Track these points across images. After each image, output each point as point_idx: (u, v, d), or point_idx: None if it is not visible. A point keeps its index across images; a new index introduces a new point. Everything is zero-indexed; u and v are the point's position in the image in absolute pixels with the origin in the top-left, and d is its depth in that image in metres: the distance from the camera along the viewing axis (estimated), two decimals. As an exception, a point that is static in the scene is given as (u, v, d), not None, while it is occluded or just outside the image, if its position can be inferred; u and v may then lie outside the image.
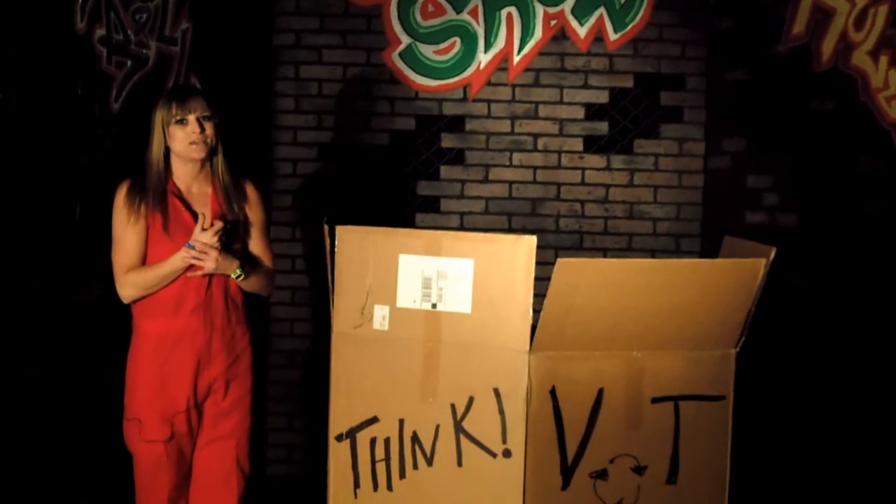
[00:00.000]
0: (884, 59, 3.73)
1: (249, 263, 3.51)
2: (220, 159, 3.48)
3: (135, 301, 3.39)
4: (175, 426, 3.39)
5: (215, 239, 3.26)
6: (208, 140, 3.40)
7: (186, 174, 3.44)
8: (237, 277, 3.41)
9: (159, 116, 3.39)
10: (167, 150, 3.40)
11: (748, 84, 4.81)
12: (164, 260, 3.32)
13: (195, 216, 3.38)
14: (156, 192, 3.36)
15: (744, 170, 4.79)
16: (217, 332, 3.45)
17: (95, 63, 3.64)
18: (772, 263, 3.18)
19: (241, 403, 3.57)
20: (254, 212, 3.59)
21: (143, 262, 3.37)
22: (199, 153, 3.40)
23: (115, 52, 3.75)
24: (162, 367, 3.38)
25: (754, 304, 3.25)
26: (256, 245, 3.60)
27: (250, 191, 3.60)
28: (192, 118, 3.37)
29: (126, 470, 3.51)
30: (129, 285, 3.35)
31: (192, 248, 3.26)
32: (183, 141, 3.37)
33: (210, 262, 3.29)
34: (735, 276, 3.18)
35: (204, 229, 3.27)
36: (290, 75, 5.28)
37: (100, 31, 3.64)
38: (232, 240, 3.44)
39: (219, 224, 3.28)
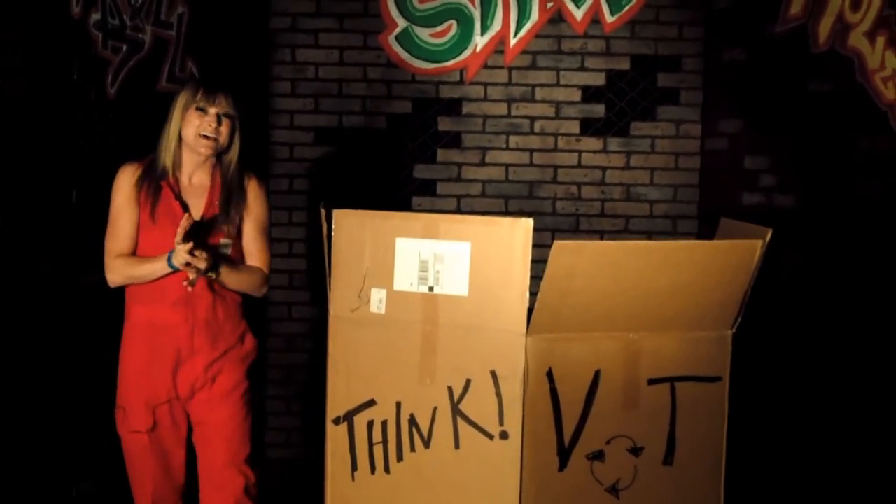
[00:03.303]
0: (881, 41, 3.73)
1: (230, 262, 3.40)
2: (232, 157, 3.43)
3: (119, 286, 3.37)
4: (157, 417, 3.35)
5: (189, 256, 3.16)
6: (220, 138, 3.36)
7: (189, 162, 3.39)
8: (207, 274, 3.29)
9: (182, 98, 3.35)
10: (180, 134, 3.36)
11: (745, 65, 4.81)
12: (150, 260, 3.28)
13: (184, 206, 3.34)
14: (162, 174, 3.33)
15: (741, 151, 4.79)
16: (200, 326, 3.37)
17: (91, 48, 3.64)
18: (768, 245, 3.19)
19: (228, 399, 3.46)
20: (253, 209, 3.50)
21: (136, 246, 3.34)
22: (206, 149, 3.35)
23: (110, 36, 3.74)
24: (146, 356, 3.34)
25: (751, 286, 3.25)
26: (250, 243, 3.51)
27: (252, 187, 3.51)
28: (213, 111, 3.33)
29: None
30: (114, 271, 3.33)
31: (173, 264, 3.21)
32: (196, 129, 3.33)
33: (191, 272, 3.24)
34: (732, 257, 3.19)
35: (185, 238, 3.16)
36: (286, 59, 5.27)
37: (95, 16, 3.63)
38: (208, 236, 3.35)
39: (186, 225, 3.17)
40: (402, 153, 5.28)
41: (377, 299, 3.36)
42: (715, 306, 3.26)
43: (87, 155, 3.62)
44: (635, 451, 3.25)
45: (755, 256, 3.18)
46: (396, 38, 5.22)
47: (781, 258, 3.61)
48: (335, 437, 3.45)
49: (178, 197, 3.37)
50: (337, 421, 3.44)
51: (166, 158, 3.35)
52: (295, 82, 5.27)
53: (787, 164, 4.42)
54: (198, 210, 3.37)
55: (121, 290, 3.43)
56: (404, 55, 5.24)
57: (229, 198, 3.42)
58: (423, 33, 5.22)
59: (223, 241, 3.38)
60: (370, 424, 3.37)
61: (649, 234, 5.30)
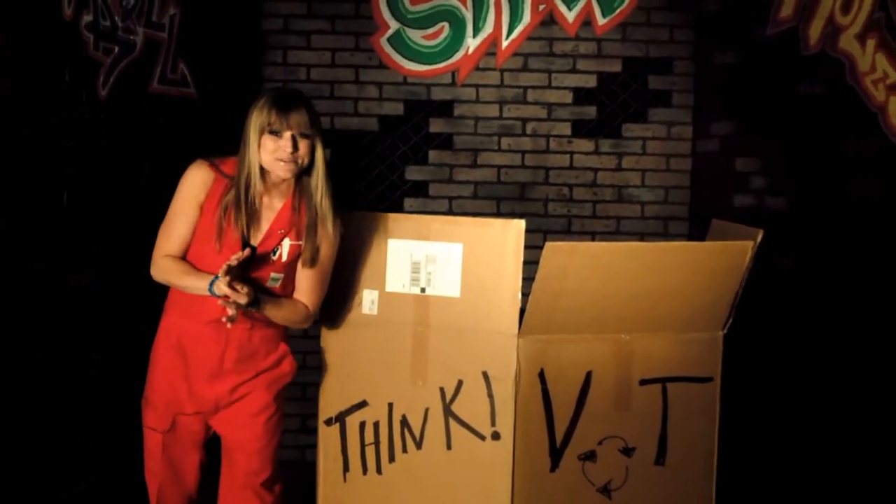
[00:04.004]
0: (871, 43, 3.74)
1: (274, 297, 3.20)
2: (317, 182, 3.18)
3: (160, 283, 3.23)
4: (176, 421, 3.25)
5: (230, 289, 2.96)
6: (299, 160, 3.12)
7: (265, 182, 3.17)
8: (248, 307, 3.06)
9: (255, 121, 3.11)
10: None
11: (736, 67, 4.82)
12: (194, 276, 3.12)
13: (247, 231, 3.14)
14: (236, 200, 3.12)
15: (732, 153, 4.80)
16: (232, 347, 3.21)
17: (82, 49, 3.63)
18: (759, 246, 3.20)
19: (253, 422, 3.30)
20: (322, 246, 3.22)
21: (187, 248, 3.18)
22: (285, 173, 3.12)
23: (102, 38, 3.74)
24: (172, 364, 3.22)
25: (742, 287, 3.26)
26: (304, 279, 3.25)
27: (334, 226, 3.22)
28: (287, 134, 3.09)
29: (120, 455, 3.51)
30: (158, 269, 3.18)
31: (214, 292, 3.01)
32: (271, 154, 3.09)
33: (230, 308, 2.99)
34: (723, 258, 3.20)
35: (228, 271, 2.97)
36: (278, 61, 5.27)
37: (87, 18, 3.63)
38: (259, 265, 3.17)
39: (234, 262, 2.99)
40: (394, 154, 5.28)
41: (369, 301, 3.36)
42: (706, 307, 3.27)
43: (78, 156, 3.62)
44: (627, 451, 3.26)
45: (746, 258, 3.19)
46: (388, 39, 5.22)
47: (772, 259, 3.62)
48: (327, 438, 3.45)
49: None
50: (329, 422, 3.44)
51: (245, 183, 3.13)
52: (287, 84, 5.26)
53: (778, 165, 4.43)
54: (259, 234, 3.18)
55: (114, 292, 3.42)
56: (396, 57, 5.24)
57: (313, 229, 3.19)
58: (415, 35, 5.22)
59: (274, 274, 3.20)
60: (362, 425, 3.37)
61: (641, 236, 5.31)
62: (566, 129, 5.27)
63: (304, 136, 3.12)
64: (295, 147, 3.10)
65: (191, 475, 3.35)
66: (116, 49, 3.85)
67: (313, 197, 3.20)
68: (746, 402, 4.17)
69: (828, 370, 3.94)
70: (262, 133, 3.09)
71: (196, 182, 3.17)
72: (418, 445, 3.29)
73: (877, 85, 3.70)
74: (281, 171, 3.11)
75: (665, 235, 5.29)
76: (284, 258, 3.21)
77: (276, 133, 3.09)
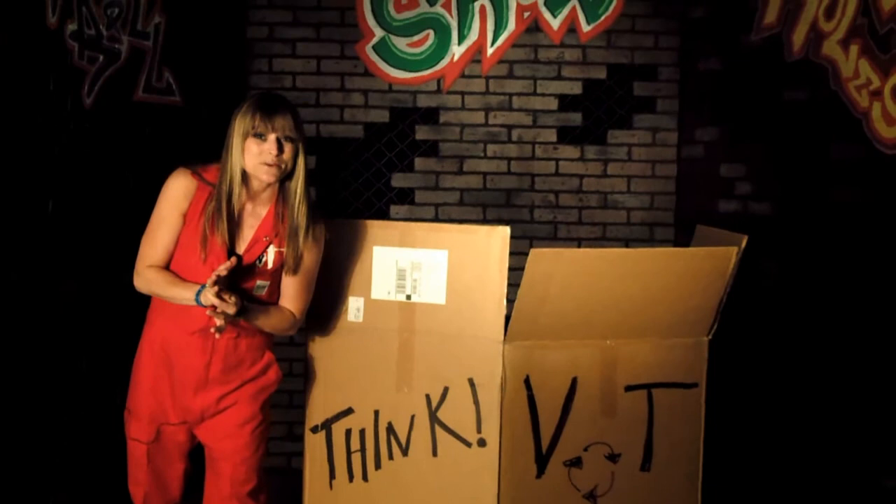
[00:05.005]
0: (854, 49, 3.76)
1: (260, 305, 3.18)
2: (297, 186, 3.15)
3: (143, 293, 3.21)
4: (160, 431, 3.23)
5: (217, 299, 2.95)
6: (283, 164, 3.08)
7: (248, 189, 3.15)
8: (236, 316, 3.03)
9: (239, 125, 3.08)
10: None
11: (721, 74, 4.83)
12: (179, 286, 3.09)
13: (232, 237, 3.13)
14: (218, 208, 3.08)
15: (717, 159, 4.82)
16: (218, 356, 3.17)
17: (67, 58, 3.63)
18: (744, 251, 3.21)
19: (239, 433, 3.27)
20: (305, 253, 3.19)
21: (170, 257, 3.15)
22: (269, 176, 3.08)
23: (87, 46, 3.73)
24: (157, 374, 3.20)
25: (726, 292, 3.27)
26: (289, 285, 3.23)
27: (315, 232, 3.21)
28: (272, 137, 3.05)
29: (102, 464, 3.50)
30: (142, 279, 3.16)
31: (201, 302, 2.99)
32: (255, 157, 3.06)
33: (218, 318, 2.97)
34: (708, 264, 3.21)
35: (216, 281, 2.96)
36: (263, 69, 5.27)
37: (71, 26, 3.62)
38: (245, 273, 3.15)
39: (223, 271, 2.98)
40: (380, 162, 5.29)
41: (355, 308, 3.37)
42: (691, 313, 3.28)
43: (63, 165, 3.61)
44: (613, 457, 3.27)
45: (731, 263, 3.20)
46: (373, 47, 5.23)
47: (757, 265, 3.63)
48: (313, 446, 3.45)
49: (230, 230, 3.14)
50: (315, 429, 3.44)
51: (227, 190, 3.10)
52: (272, 92, 5.26)
53: (762, 171, 4.45)
54: (244, 242, 3.16)
55: (101, 299, 3.41)
56: (381, 64, 5.24)
57: (294, 236, 3.16)
58: (401, 43, 5.23)
59: (260, 282, 3.18)
60: (348, 433, 3.37)
61: (626, 242, 5.32)
62: (552, 135, 5.29)
63: (288, 139, 3.09)
64: (280, 150, 3.07)
65: (175, 484, 3.33)
66: (101, 57, 3.85)
67: (294, 199, 3.17)
68: (732, 408, 4.18)
69: (813, 375, 3.95)
70: (245, 137, 3.07)
71: (178, 190, 3.14)
72: (404, 452, 3.29)
73: (860, 91, 3.72)
74: (264, 174, 3.09)
75: (650, 241, 5.30)
76: (270, 265, 3.19)
77: (260, 136, 3.06)
